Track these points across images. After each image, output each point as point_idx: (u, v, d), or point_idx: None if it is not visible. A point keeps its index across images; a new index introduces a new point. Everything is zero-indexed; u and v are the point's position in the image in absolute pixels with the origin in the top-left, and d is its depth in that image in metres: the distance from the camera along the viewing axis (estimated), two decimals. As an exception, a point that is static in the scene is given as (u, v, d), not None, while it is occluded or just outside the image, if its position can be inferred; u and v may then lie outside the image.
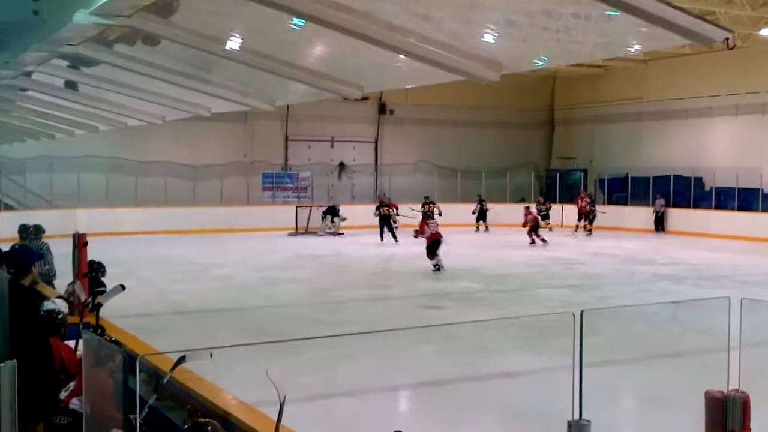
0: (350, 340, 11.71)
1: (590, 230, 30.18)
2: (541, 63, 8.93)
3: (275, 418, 3.86)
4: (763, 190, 29.62)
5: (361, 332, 11.91)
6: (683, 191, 31.63)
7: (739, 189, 29.98)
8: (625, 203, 33.48)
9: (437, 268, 18.85)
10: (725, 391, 4.02)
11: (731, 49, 5.83)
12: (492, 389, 8.98)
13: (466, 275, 18.71)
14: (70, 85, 11.38)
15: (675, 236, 29.15)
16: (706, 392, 4.07)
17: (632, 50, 8.46)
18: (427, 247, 19.18)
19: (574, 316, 4.57)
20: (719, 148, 32.15)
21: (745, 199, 29.86)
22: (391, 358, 10.81)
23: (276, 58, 8.28)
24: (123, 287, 6.59)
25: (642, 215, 31.76)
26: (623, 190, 34.07)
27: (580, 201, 30.61)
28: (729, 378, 4.18)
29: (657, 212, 31.12)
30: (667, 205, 31.30)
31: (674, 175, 32.30)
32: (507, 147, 37.30)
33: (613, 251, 24.26)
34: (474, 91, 33.61)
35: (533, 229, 25.96)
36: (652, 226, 31.03)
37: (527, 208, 28.01)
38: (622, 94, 36.05)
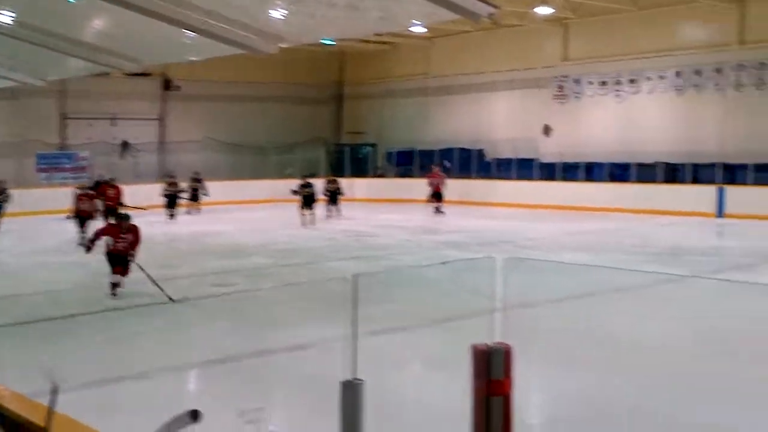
0: (133, 320, 11.26)
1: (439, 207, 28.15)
2: (329, 41, 8.94)
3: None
4: (539, 160, 31.45)
5: (142, 305, 11.47)
6: (466, 163, 32.91)
7: (517, 160, 31.66)
8: (413, 175, 34.40)
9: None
10: (489, 343, 4.12)
11: (495, 24, 6.02)
12: (280, 362, 8.88)
13: (256, 251, 18.52)
14: None
15: (459, 206, 30.15)
16: (472, 345, 4.17)
17: (410, 26, 8.60)
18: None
19: (346, 279, 4.54)
20: (500, 121, 33.77)
21: (523, 169, 31.57)
22: (177, 337, 10.47)
23: (51, 32, 7.71)
24: None
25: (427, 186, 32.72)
26: (410, 162, 34.99)
27: (432, 177, 28.99)
28: (494, 332, 4.29)
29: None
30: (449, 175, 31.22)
31: (458, 148, 33.58)
32: (296, 122, 37.21)
33: (402, 223, 24.89)
34: (262, 67, 33.26)
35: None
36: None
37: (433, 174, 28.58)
38: (409, 70, 36.98)
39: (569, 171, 30.72)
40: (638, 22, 29.57)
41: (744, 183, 26.34)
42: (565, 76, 32.16)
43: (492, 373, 4.00)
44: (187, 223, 25.16)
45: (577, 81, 31.89)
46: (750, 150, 26.67)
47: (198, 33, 6.69)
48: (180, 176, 27.98)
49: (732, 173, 26.87)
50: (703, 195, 26.42)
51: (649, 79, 29.88)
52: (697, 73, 28.63)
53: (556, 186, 30.41)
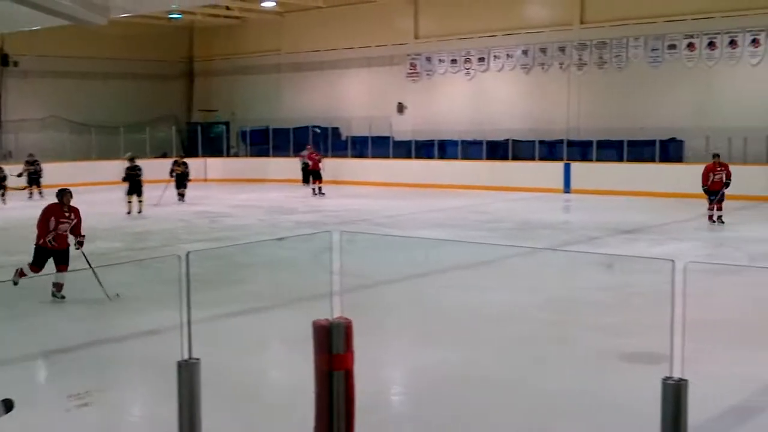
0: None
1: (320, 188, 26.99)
2: (175, 15, 8.54)
3: None
4: (393, 137, 31.67)
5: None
6: (321, 141, 32.70)
7: (372, 137, 31.75)
8: (267, 154, 33.93)
9: None
10: (330, 318, 4.00)
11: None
12: (130, 348, 8.51)
13: (107, 235, 17.73)
14: None
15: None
16: (313, 321, 4.04)
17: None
18: None
19: (179, 258, 4.36)
20: (354, 99, 33.78)
21: (378, 147, 31.70)
22: (17, 327, 9.84)
23: None
24: None
25: (283, 166, 32.39)
26: (265, 142, 34.47)
27: (309, 156, 28.21)
28: (332, 308, 4.17)
29: (305, 164, 29.75)
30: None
31: (312, 126, 33.34)
32: (146, 100, 35.90)
33: (258, 203, 24.51)
34: (108, 42, 31.97)
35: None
36: (296, 176, 30.93)
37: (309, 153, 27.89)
38: (261, 46, 36.38)
39: (423, 149, 31.08)
40: (485, 0, 30.18)
41: (589, 159, 27.41)
42: (417, 54, 32.46)
43: (333, 348, 3.88)
44: (30, 207, 23.80)
45: (428, 59, 32.25)
46: (594, 127, 27.76)
47: (22, 4, 6.21)
48: (19, 157, 26.51)
49: (578, 150, 27.90)
50: (550, 171, 27.34)
51: (497, 57, 30.56)
52: (543, 51, 29.51)
53: (410, 164, 30.72)
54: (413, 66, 32.62)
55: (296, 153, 31.59)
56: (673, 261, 3.72)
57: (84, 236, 10.76)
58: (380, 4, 31.61)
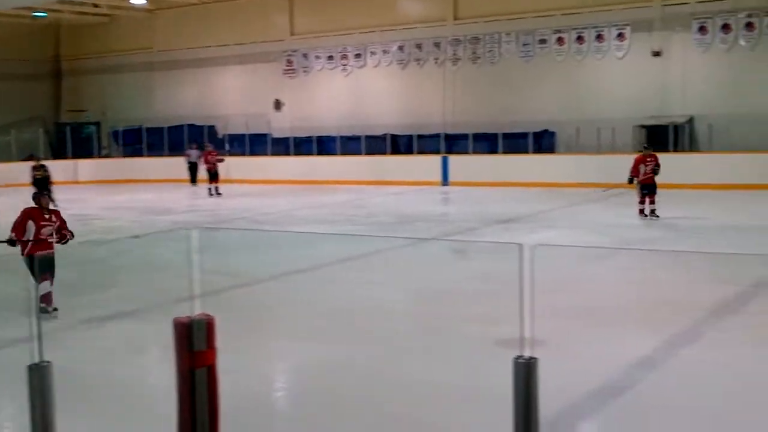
0: None
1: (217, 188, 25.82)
2: (40, 12, 8.06)
3: None
4: (271, 135, 31.35)
5: None
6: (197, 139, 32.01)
7: (249, 135, 31.32)
8: (141, 154, 32.96)
9: None
10: (191, 315, 3.83)
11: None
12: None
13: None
14: None
15: (188, 184, 29.23)
16: (174, 319, 3.86)
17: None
18: None
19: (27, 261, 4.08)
20: (231, 96, 33.27)
21: (257, 145, 31.30)
22: None
23: None
24: None
25: (158, 166, 31.55)
26: (138, 141, 33.47)
27: (206, 156, 26.70)
28: (193, 305, 4.00)
29: (191, 162, 29.19)
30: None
31: (188, 125, 32.61)
32: (9, 101, 34.23)
33: (132, 204, 23.75)
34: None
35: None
36: (171, 176, 30.28)
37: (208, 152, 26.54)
38: (132, 44, 35.34)
39: (302, 145, 30.89)
40: (362, -5, 30.30)
41: (466, 152, 27.83)
42: (294, 51, 32.23)
43: (195, 345, 3.72)
44: None
45: (305, 55, 32.08)
46: (470, 121, 28.23)
47: None
48: None
49: (454, 143, 28.29)
50: (428, 165, 27.63)
51: (373, 53, 30.68)
52: (418, 47, 29.80)
53: (289, 161, 30.47)
54: (290, 62, 32.37)
55: (177, 152, 30.65)
56: (520, 245, 3.75)
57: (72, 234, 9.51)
58: (254, 0, 31.22)
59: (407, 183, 26.81)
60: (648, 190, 16.81)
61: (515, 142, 27.06)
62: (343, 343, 7.93)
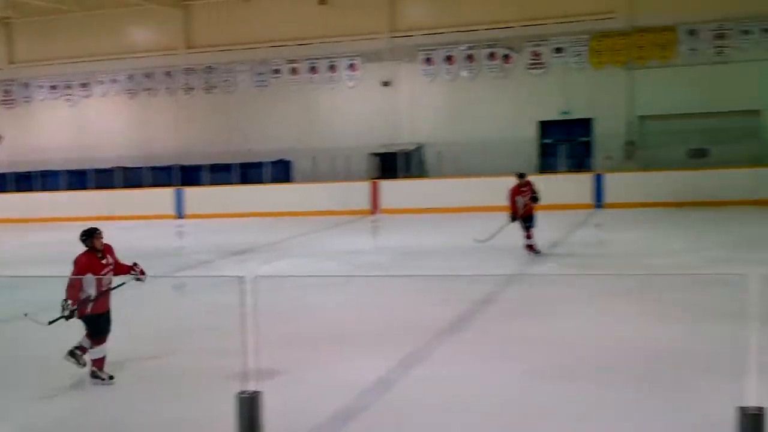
0: None
1: None
2: None
3: None
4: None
5: None
6: None
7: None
8: None
9: None
10: None
11: None
12: None
13: None
14: None
15: None
16: None
17: None
18: None
19: None
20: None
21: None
22: None
23: None
24: None
25: None
26: None
27: None
28: None
29: None
30: None
31: None
32: None
33: None
34: None
35: None
36: None
37: None
38: None
39: (23, 181, 28.69)
40: (86, 24, 28.89)
41: (201, 183, 27.17)
42: (12, 80, 30.05)
43: None
44: None
45: (25, 85, 30.03)
46: (205, 151, 27.65)
47: None
48: None
49: (189, 174, 27.53)
50: (162, 197, 26.62)
51: (101, 82, 29.32)
52: (149, 76, 28.83)
53: (10, 198, 28.15)
54: (8, 93, 30.13)
55: None
56: (242, 276, 3.51)
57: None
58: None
59: (140, 217, 25.63)
60: (530, 222, 14.27)
61: (252, 172, 26.85)
62: (76, 397, 7.20)
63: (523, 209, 14.23)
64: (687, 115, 23.86)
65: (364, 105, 27.01)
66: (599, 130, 25.01)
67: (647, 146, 24.51)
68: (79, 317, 7.14)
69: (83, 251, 7.38)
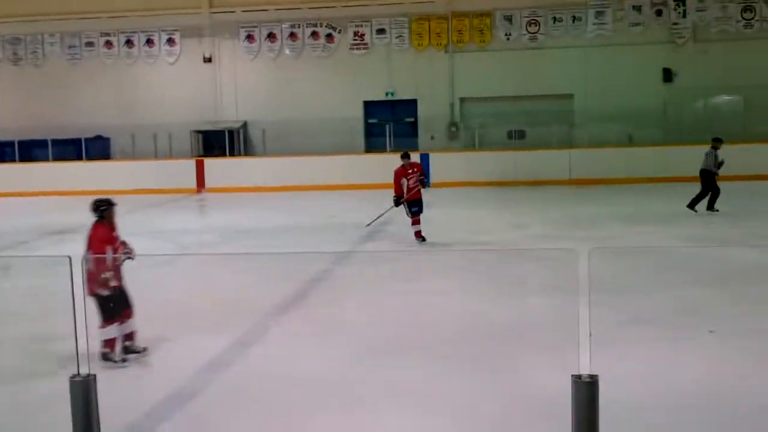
0: None
1: None
2: None
3: None
4: None
5: None
6: None
7: None
8: None
9: None
10: None
11: None
12: None
13: None
14: None
15: None
16: None
17: None
18: None
19: None
20: None
21: None
22: None
23: None
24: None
25: None
26: None
27: None
28: None
29: None
30: None
31: None
32: None
33: None
34: None
35: None
36: None
37: None
38: None
39: None
40: None
41: (13, 160, 25.60)
42: None
43: None
44: None
45: None
46: (15, 127, 26.13)
47: None
48: None
49: (1, 151, 25.95)
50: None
51: None
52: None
53: None
54: None
55: None
56: (69, 256, 3.36)
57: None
58: None
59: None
60: (417, 207, 13.21)
61: (66, 149, 25.54)
62: None
63: (408, 193, 13.22)
64: (505, 98, 24.84)
65: (185, 81, 26.28)
66: (424, 111, 25.59)
67: (469, 128, 25.34)
68: (91, 295, 6.70)
69: (97, 223, 7.00)
